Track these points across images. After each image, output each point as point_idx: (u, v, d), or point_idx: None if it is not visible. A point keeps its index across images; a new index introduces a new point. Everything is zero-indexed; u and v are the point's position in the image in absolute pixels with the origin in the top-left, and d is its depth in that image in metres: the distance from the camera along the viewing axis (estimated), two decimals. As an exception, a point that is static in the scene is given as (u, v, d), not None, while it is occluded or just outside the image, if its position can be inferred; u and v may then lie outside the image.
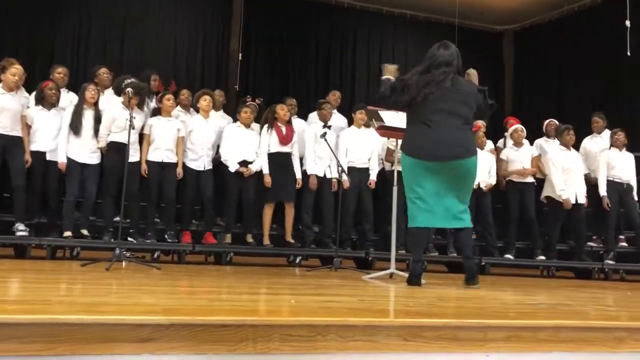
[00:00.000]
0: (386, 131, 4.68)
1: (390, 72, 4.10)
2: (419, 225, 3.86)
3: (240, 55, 9.38)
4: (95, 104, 5.64)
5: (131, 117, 4.58)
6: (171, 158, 5.80)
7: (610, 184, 6.61)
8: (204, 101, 6.01)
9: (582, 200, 6.55)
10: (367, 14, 10.64)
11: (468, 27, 10.78)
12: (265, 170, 6.01)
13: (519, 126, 6.79)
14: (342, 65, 10.59)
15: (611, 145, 6.70)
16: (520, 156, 6.71)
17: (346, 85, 10.29)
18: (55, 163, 5.51)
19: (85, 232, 5.57)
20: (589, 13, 9.80)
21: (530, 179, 6.71)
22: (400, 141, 4.20)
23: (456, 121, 3.77)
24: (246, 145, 6.03)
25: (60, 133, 5.50)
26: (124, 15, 9.29)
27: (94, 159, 5.59)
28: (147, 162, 5.71)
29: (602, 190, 6.59)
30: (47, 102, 5.56)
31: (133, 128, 4.67)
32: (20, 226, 5.32)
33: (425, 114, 3.77)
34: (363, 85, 10.63)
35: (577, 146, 6.91)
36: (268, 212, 6.09)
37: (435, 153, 3.73)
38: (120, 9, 9.27)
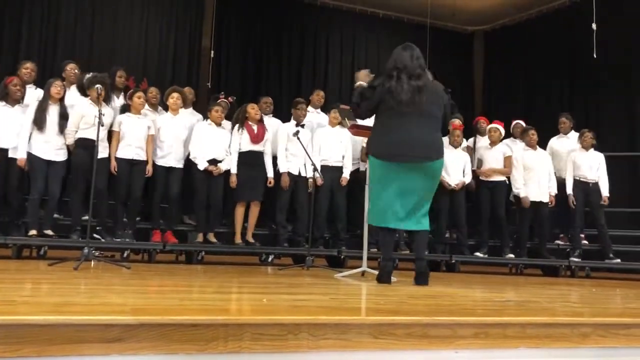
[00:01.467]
0: (359, 130, 4.70)
1: (361, 78, 4.12)
2: (380, 225, 3.89)
3: (212, 52, 9.31)
4: (61, 100, 5.52)
5: (100, 113, 4.49)
6: (141, 155, 5.72)
7: (576, 183, 6.77)
8: (172, 98, 5.94)
9: (545, 199, 6.68)
10: (339, 12, 10.68)
11: (439, 27, 10.91)
12: (233, 170, 5.98)
13: (493, 126, 6.85)
14: (315, 64, 10.60)
15: (581, 146, 6.84)
16: (493, 155, 6.80)
17: (319, 83, 10.29)
18: (15, 161, 5.37)
19: (49, 232, 5.44)
20: (557, 16, 10.01)
21: (501, 178, 6.82)
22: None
23: (427, 122, 3.80)
24: (216, 143, 5.98)
25: (22, 129, 5.36)
26: (93, 10, 9.13)
27: (60, 156, 5.47)
28: (117, 159, 5.62)
29: (569, 189, 6.77)
30: (10, 98, 5.41)
31: (102, 125, 4.58)
32: (-18, 226, 5.19)
33: (396, 115, 3.77)
34: (336, 84, 10.66)
35: (543, 145, 7.03)
36: (240, 211, 6.06)
37: (407, 154, 3.73)
38: (88, 4, 9.10)
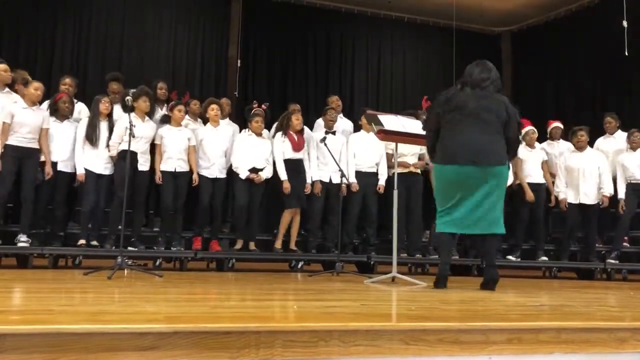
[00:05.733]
0: (386, 135, 4.68)
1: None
2: (444, 231, 3.97)
3: (239, 61, 9.40)
4: (109, 116, 5.72)
5: (131, 125, 4.58)
6: (183, 167, 5.84)
7: (628, 185, 6.62)
8: (212, 110, 6.05)
9: (591, 201, 6.55)
10: (364, 18, 10.67)
11: (466, 29, 10.82)
12: (283, 177, 6.01)
13: (531, 128, 6.78)
14: (341, 70, 10.62)
15: (629, 147, 6.69)
16: (533, 157, 6.73)
17: (345, 89, 10.31)
18: (65, 174, 5.57)
19: (95, 242, 5.60)
20: (587, 13, 9.83)
21: (542, 180, 6.72)
22: (390, 145, 4.18)
23: (487, 131, 3.89)
24: (257, 153, 6.03)
25: (75, 145, 5.57)
26: (122, 24, 9.32)
27: (108, 169, 5.67)
28: (161, 172, 5.76)
29: (620, 193, 6.61)
30: (60, 114, 5.63)
31: (133, 136, 4.67)
32: (22, 237, 5.33)
33: (461, 124, 3.89)
34: (362, 89, 10.66)
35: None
36: (287, 217, 6.08)
37: (470, 158, 3.82)
38: (118, 17, 9.31)
